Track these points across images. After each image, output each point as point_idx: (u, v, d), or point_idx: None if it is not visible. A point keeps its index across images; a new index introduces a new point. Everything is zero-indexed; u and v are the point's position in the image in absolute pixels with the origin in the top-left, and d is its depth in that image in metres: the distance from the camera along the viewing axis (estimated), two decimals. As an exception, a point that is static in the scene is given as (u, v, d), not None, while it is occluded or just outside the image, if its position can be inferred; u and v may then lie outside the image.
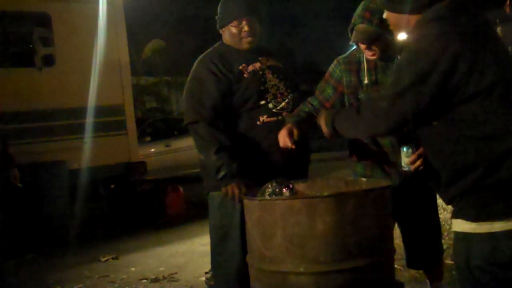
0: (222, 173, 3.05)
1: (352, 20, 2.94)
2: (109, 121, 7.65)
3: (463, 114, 2.00)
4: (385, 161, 3.07)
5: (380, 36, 2.87)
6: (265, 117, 3.15)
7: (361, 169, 3.18)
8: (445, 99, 2.00)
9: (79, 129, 7.33)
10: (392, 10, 2.22)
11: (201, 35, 22.49)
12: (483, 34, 2.06)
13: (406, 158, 2.90)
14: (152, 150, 11.52)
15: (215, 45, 3.38)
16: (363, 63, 3.03)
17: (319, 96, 3.16)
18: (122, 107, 7.79)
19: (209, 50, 3.36)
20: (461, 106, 1.99)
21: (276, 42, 28.39)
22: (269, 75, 3.22)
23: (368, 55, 2.97)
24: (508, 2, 2.36)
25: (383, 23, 2.73)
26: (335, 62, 3.15)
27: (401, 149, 2.90)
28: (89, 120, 7.32)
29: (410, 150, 2.87)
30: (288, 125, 2.95)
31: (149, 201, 8.35)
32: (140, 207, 8.21)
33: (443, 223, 5.63)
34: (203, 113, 3.14)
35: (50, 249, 6.55)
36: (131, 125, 7.93)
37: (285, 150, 2.93)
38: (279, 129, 3.00)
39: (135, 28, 14.97)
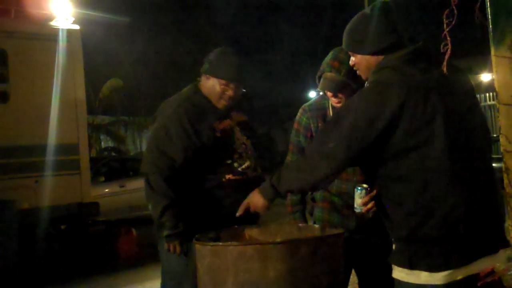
0: (165, 232, 3.05)
1: (321, 68, 2.99)
2: (62, 160, 7.50)
3: (400, 168, 2.04)
4: (343, 204, 3.09)
5: (346, 86, 2.90)
6: (230, 175, 3.16)
7: (319, 213, 3.19)
8: (382, 148, 2.04)
9: (31, 167, 7.17)
10: (356, 51, 2.29)
11: (160, 75, 22.55)
12: (433, 87, 2.12)
13: (359, 199, 2.92)
14: (106, 190, 11.31)
15: (190, 91, 3.27)
16: (329, 109, 3.07)
17: (294, 148, 3.17)
18: (76, 146, 7.67)
19: (183, 96, 3.25)
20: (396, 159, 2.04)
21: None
22: (238, 133, 3.24)
23: (333, 102, 3.01)
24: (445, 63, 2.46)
25: (351, 73, 2.81)
26: (301, 110, 3.17)
27: (355, 189, 2.92)
28: (42, 158, 7.18)
29: (363, 191, 2.88)
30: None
31: (101, 243, 8.15)
32: (91, 249, 8.01)
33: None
34: (162, 166, 3.10)
35: (-6, 291, 6.30)
36: (85, 164, 7.80)
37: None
38: (243, 188, 3.04)
39: (94, 66, 14.90)
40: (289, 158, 3.18)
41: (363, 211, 2.90)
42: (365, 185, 2.90)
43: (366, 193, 2.88)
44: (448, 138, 1.99)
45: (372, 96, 2.07)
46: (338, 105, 2.99)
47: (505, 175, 1.91)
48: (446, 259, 2.03)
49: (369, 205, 2.89)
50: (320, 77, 2.99)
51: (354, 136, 2.05)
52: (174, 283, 3.21)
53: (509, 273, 2.18)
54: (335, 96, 2.97)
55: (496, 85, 1.87)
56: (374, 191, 2.90)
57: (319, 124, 3.07)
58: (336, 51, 2.97)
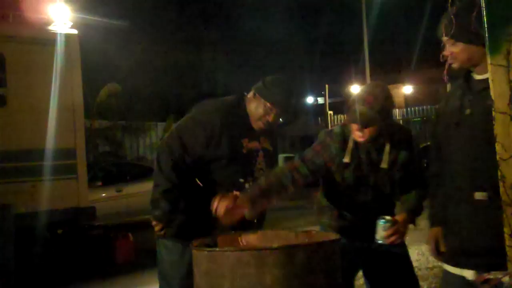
0: (156, 212, 3.10)
1: (352, 98, 2.94)
2: (60, 164, 7.50)
3: None
4: (352, 218, 3.11)
5: (376, 121, 2.87)
6: (237, 193, 3.15)
7: (327, 220, 3.21)
8: None
9: (28, 171, 7.17)
10: (462, 40, 2.31)
11: (158, 80, 22.57)
12: None
13: (383, 231, 2.88)
14: (103, 195, 11.30)
15: (234, 101, 3.24)
16: (350, 141, 3.02)
17: (309, 164, 3.06)
18: (74, 151, 7.66)
19: (226, 103, 3.23)
20: None
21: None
22: (260, 158, 3.23)
23: (356, 136, 2.96)
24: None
25: (383, 110, 2.82)
26: (326, 134, 3.12)
27: (379, 221, 2.89)
28: (39, 163, 7.18)
29: (388, 224, 2.86)
30: None
31: (98, 248, 8.14)
32: (88, 254, 8.00)
33: (422, 282, 5.52)
34: (174, 149, 3.12)
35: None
36: (82, 169, 7.79)
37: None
38: None
39: (91, 70, 14.92)
40: (295, 165, 3.09)
41: (387, 243, 2.90)
42: (388, 217, 2.87)
43: (391, 226, 2.88)
44: None
45: None
46: (361, 139, 2.94)
47: (501, 183, 1.92)
48: None
49: (392, 238, 2.89)
50: (349, 108, 2.94)
51: None
52: (164, 283, 3.27)
53: (505, 279, 2.19)
54: (360, 130, 2.93)
55: (492, 94, 1.88)
56: (399, 224, 2.89)
57: (337, 152, 3.02)
58: (371, 86, 2.97)
